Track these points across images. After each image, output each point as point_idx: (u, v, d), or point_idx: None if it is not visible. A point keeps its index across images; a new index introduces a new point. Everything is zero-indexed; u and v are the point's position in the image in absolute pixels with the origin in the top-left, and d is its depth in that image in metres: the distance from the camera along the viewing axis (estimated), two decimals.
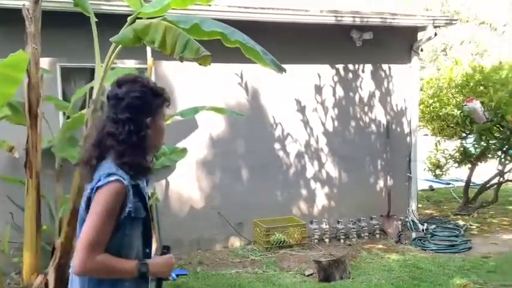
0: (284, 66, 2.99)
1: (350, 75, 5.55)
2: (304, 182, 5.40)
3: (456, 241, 5.10)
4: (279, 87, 5.00)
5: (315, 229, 5.18)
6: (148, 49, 4.14)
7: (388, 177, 5.66)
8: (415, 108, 5.81)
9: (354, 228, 5.32)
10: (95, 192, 1.44)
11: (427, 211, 6.77)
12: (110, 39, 2.81)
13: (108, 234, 1.43)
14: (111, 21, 3.38)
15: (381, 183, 5.71)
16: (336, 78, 5.48)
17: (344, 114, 5.53)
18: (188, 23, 2.76)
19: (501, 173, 6.28)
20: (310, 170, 5.43)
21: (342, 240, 5.24)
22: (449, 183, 8.54)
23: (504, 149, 5.95)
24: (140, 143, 1.53)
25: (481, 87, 5.73)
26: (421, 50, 6.07)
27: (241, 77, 5.00)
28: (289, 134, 5.28)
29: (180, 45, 2.64)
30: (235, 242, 5.10)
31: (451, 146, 6.94)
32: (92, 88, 3.28)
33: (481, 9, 19.58)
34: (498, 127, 5.85)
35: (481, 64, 6.01)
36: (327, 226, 5.22)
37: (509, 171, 6.29)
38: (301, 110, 5.30)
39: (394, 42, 5.66)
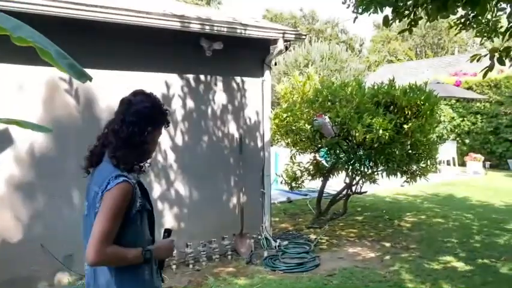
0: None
1: (202, 86, 5.20)
2: None
3: (306, 258, 5.06)
4: (118, 96, 4.41)
5: None
6: None
7: (241, 194, 5.44)
8: (267, 123, 5.70)
9: (204, 251, 4.95)
10: (105, 193, 1.66)
11: (283, 225, 6.75)
12: None
13: (117, 229, 1.66)
14: None
15: (234, 200, 5.46)
16: (185, 89, 5.08)
17: (195, 128, 5.16)
18: None
19: (349, 186, 6.52)
20: (157, 189, 4.91)
21: (190, 266, 4.82)
22: (306, 194, 8.78)
23: (350, 162, 6.18)
24: (137, 146, 1.76)
25: (329, 103, 5.86)
26: (275, 64, 6.05)
27: (70, 84, 4.28)
28: None
29: None
30: (64, 278, 4.32)
31: (306, 159, 7.07)
32: None
33: (347, 28, 21.33)
34: (346, 141, 6.05)
35: (330, 80, 6.18)
36: (174, 251, 4.75)
37: (356, 183, 6.57)
38: None
39: (246, 54, 5.49)
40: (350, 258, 5.09)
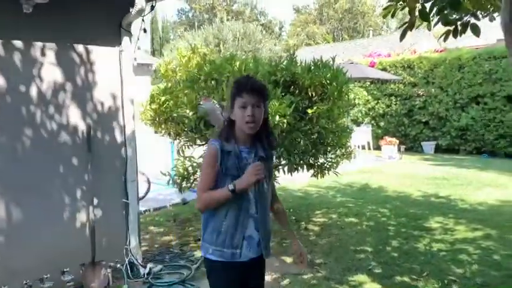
0: None
1: (19, 56, 3.59)
2: None
3: None
4: None
5: None
6: None
7: (92, 208, 3.95)
8: (130, 108, 4.24)
9: None
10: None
11: (167, 238, 5.37)
12: None
13: (211, 179, 2.01)
14: None
15: (81, 217, 3.95)
16: None
17: (12, 118, 3.56)
18: None
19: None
20: None
21: None
22: None
23: None
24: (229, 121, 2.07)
25: (213, 82, 4.53)
26: (144, 31, 4.56)
27: None
28: None
29: None
30: None
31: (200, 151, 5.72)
32: None
33: (267, 9, 20.23)
34: None
35: (214, 51, 4.85)
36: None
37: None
38: None
39: (94, 13, 3.96)
40: None
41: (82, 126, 3.92)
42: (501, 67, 11.90)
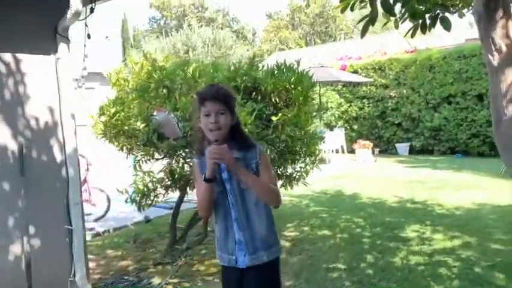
0: None
1: None
2: None
3: None
4: None
5: None
6: None
7: (27, 238, 3.47)
8: (70, 123, 3.78)
9: None
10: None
11: (124, 263, 4.89)
12: None
13: (202, 191, 2.05)
14: None
15: (14, 249, 3.46)
16: None
17: None
18: None
19: None
20: None
21: None
22: (172, 208, 7.00)
23: None
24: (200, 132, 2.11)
25: (164, 90, 4.12)
26: (89, 37, 4.14)
27: None
28: None
29: None
30: None
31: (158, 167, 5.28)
32: None
33: (239, 16, 19.92)
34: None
35: (168, 57, 4.44)
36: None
37: None
38: None
39: (24, 18, 3.50)
40: None
41: (13, 146, 3.44)
42: (471, 66, 11.87)
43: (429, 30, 2.66)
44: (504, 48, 2.23)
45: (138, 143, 4.56)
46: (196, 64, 4.18)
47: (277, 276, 2.16)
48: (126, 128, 4.58)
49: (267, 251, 2.06)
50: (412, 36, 2.76)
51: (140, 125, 4.27)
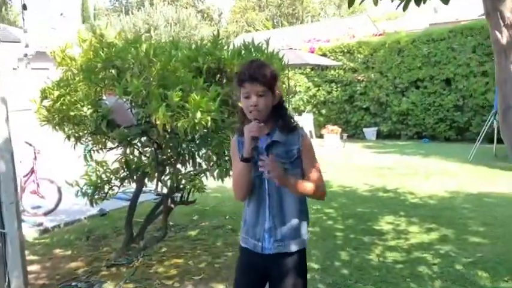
0: None
1: None
2: None
3: None
4: None
5: None
6: None
7: None
8: (2, 110, 3.19)
9: None
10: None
11: (74, 264, 4.37)
12: None
13: (239, 169, 2.00)
14: None
15: None
16: None
17: None
18: None
19: (168, 196, 4.42)
20: None
21: None
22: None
23: (163, 162, 4.07)
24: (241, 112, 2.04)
25: (113, 71, 3.58)
26: (25, 8, 3.56)
27: None
28: None
29: None
30: None
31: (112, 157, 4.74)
32: None
33: None
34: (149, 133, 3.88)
35: (122, 34, 3.89)
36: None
37: (180, 190, 4.49)
38: None
39: None
40: None
41: None
42: (440, 50, 11.76)
43: (424, 3, 2.29)
44: None
45: (86, 131, 4.02)
46: (149, 43, 3.64)
47: (303, 266, 2.09)
48: (72, 113, 4.00)
49: (294, 240, 2.01)
50: (405, 8, 2.37)
51: (87, 110, 3.72)
